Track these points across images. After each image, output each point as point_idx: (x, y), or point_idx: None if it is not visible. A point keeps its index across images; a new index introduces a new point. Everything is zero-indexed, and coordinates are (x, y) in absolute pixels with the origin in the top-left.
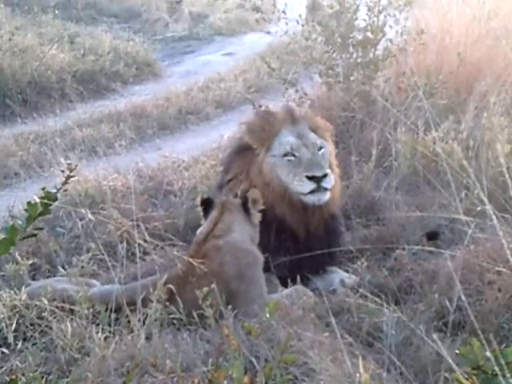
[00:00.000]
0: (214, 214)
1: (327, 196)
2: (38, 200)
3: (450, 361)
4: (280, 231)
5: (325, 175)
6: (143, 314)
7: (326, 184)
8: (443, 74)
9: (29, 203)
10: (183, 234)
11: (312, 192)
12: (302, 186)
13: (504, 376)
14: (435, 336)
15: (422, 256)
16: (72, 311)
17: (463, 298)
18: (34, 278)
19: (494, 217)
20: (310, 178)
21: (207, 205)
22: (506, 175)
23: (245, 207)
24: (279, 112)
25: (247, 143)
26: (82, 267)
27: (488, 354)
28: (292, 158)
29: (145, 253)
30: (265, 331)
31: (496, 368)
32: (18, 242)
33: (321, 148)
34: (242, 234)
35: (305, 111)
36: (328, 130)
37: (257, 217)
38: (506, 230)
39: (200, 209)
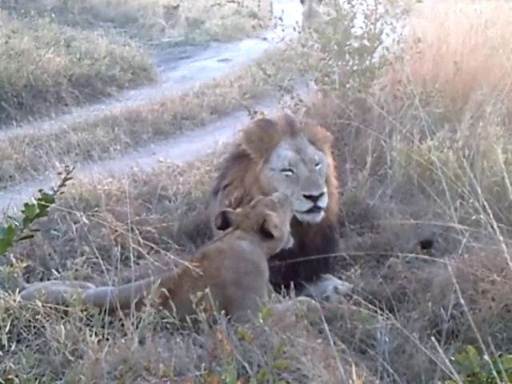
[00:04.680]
0: (229, 229)
1: (321, 215)
2: (34, 202)
3: (449, 364)
4: None
5: (321, 194)
6: (137, 318)
7: (321, 203)
8: (439, 83)
9: (26, 205)
10: (177, 239)
11: (307, 212)
12: (299, 205)
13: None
14: (433, 339)
15: (416, 264)
16: (66, 313)
17: (462, 302)
18: (28, 281)
19: (494, 224)
20: (307, 197)
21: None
22: (507, 180)
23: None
24: (279, 122)
25: (244, 150)
26: (76, 270)
27: (485, 359)
28: (290, 173)
29: (139, 257)
30: (258, 337)
31: (495, 374)
32: (13, 243)
33: (318, 163)
34: (252, 245)
35: (305, 122)
36: (327, 142)
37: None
38: (501, 239)
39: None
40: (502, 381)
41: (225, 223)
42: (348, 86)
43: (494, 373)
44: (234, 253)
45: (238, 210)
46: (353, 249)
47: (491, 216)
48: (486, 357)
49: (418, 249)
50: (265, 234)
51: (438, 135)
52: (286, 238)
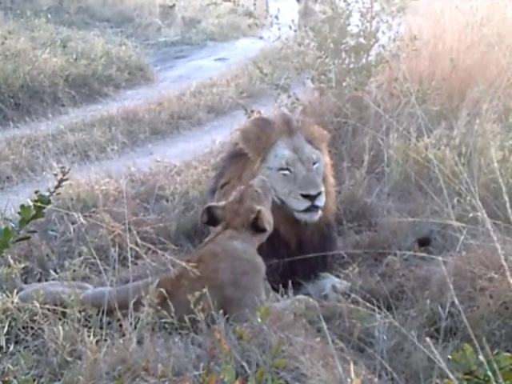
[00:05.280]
0: (219, 227)
1: (319, 214)
2: (31, 203)
3: (444, 364)
4: (273, 238)
5: (319, 193)
6: (135, 318)
7: (318, 202)
8: (436, 81)
9: (22, 206)
10: (175, 239)
11: (305, 211)
12: (297, 204)
13: (497, 381)
14: (428, 340)
15: (414, 262)
16: (64, 314)
17: (457, 302)
18: (25, 282)
19: (488, 221)
20: (305, 196)
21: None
22: (500, 179)
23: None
24: (276, 121)
25: (242, 149)
26: (74, 271)
27: (481, 358)
28: (287, 172)
29: (137, 257)
30: (256, 336)
31: (489, 373)
32: (10, 244)
33: (315, 162)
34: (246, 246)
35: (302, 120)
36: (324, 141)
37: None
38: (498, 237)
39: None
40: (498, 379)
41: (211, 219)
42: (344, 84)
43: (489, 373)
44: (229, 254)
45: (223, 203)
46: (351, 247)
47: (485, 215)
48: (481, 357)
49: (415, 246)
50: (257, 229)
51: (435, 133)
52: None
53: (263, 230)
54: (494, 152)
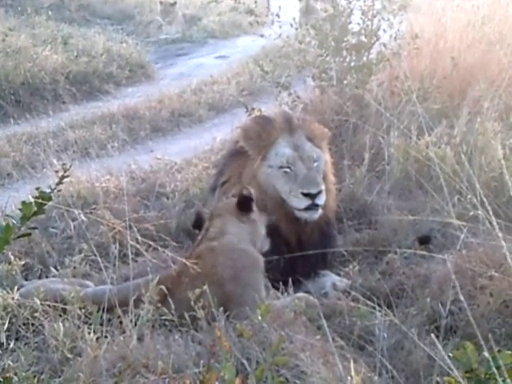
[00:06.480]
0: (206, 223)
1: (319, 213)
2: (32, 200)
3: (448, 361)
4: (273, 236)
5: (319, 192)
6: (135, 315)
7: (318, 201)
8: (437, 79)
9: (23, 203)
10: (175, 236)
11: (305, 209)
12: (297, 202)
13: (502, 379)
14: (433, 336)
15: (414, 260)
16: (64, 311)
17: (462, 298)
18: (26, 279)
19: (493, 220)
20: (306, 195)
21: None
22: (506, 176)
23: (240, 207)
24: (277, 119)
25: (242, 147)
26: (75, 268)
27: (486, 355)
28: (288, 170)
29: (137, 254)
30: (256, 333)
31: (495, 370)
32: (11, 241)
33: (316, 160)
34: (239, 234)
35: (302, 118)
36: (324, 139)
37: (256, 213)
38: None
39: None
40: (500, 376)
41: (198, 223)
42: (345, 82)
43: (494, 369)
44: (226, 247)
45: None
46: (351, 245)
47: (490, 212)
48: (486, 353)
49: (415, 245)
50: (242, 206)
51: (436, 131)
52: (263, 220)
53: (250, 202)
54: (499, 149)
